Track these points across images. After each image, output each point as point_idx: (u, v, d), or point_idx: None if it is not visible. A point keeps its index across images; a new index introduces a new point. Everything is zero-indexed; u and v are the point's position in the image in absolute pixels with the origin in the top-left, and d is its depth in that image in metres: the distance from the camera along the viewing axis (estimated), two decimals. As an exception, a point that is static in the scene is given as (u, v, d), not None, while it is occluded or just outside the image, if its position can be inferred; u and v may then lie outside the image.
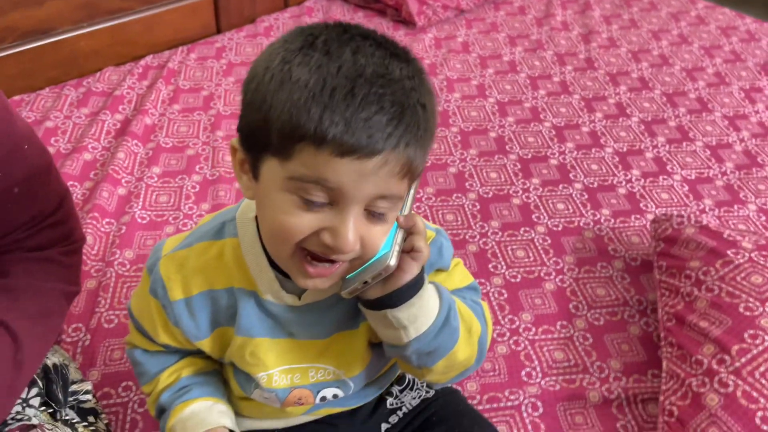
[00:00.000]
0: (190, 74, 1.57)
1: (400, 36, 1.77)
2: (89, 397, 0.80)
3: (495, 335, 1.01)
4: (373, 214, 0.53)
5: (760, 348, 0.82)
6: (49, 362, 0.79)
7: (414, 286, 0.58)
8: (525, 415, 0.90)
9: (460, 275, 0.71)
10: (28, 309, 0.71)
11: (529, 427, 0.89)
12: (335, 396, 0.71)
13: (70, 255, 0.78)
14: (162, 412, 0.70)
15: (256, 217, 0.63)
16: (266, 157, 0.52)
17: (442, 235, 0.68)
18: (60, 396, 0.76)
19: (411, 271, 0.57)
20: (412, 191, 0.58)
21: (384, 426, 0.78)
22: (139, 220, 1.16)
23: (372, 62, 0.49)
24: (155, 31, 1.60)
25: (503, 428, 0.88)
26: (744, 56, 1.77)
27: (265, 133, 0.50)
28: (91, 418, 0.78)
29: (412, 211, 0.59)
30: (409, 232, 0.57)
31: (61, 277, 0.76)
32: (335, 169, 0.49)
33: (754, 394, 0.78)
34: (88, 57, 1.50)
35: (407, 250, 0.57)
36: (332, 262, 0.55)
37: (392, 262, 0.55)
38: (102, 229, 1.12)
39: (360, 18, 1.85)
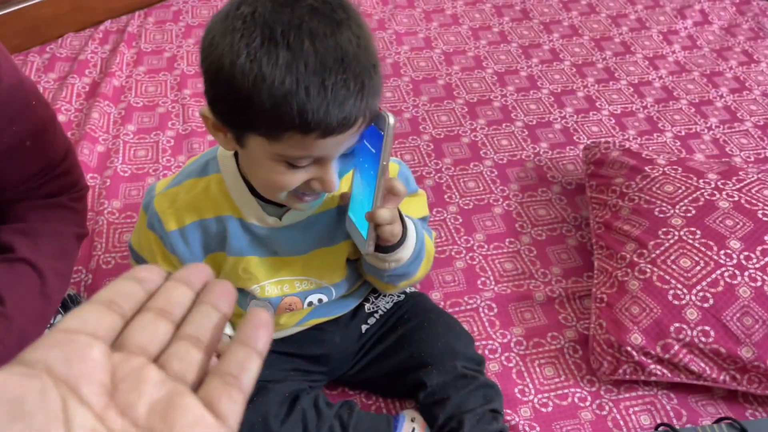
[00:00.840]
0: (151, 37, 1.63)
1: (348, -6, 1.87)
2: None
3: (453, 253, 1.16)
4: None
5: (671, 241, 0.99)
6: (66, 295, 0.89)
7: (401, 239, 0.73)
8: (482, 315, 1.06)
9: (421, 205, 0.86)
10: (48, 249, 0.79)
11: (486, 324, 1.05)
12: (320, 300, 0.84)
13: (78, 201, 0.87)
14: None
15: (235, 154, 0.74)
16: (251, 134, 0.62)
17: (404, 167, 0.83)
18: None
19: (396, 231, 0.71)
20: (385, 138, 0.66)
21: (364, 327, 0.92)
22: (121, 174, 1.25)
23: (329, 46, 0.57)
24: (112, -3, 1.66)
25: (465, 326, 1.03)
26: (662, 2, 1.94)
27: (248, 120, 0.60)
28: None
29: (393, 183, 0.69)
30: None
31: (73, 221, 0.85)
32: (320, 146, 0.61)
33: (666, 277, 0.95)
34: (49, 24, 1.54)
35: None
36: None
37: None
38: (88, 183, 1.21)
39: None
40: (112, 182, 1.22)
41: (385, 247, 0.73)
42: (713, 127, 1.48)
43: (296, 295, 0.82)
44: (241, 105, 0.59)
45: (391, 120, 0.63)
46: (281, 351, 0.87)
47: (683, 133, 1.46)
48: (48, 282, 0.78)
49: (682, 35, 1.81)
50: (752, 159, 1.40)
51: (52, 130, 0.83)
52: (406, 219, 0.75)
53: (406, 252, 0.75)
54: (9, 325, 0.71)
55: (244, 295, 0.82)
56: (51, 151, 0.82)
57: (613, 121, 1.49)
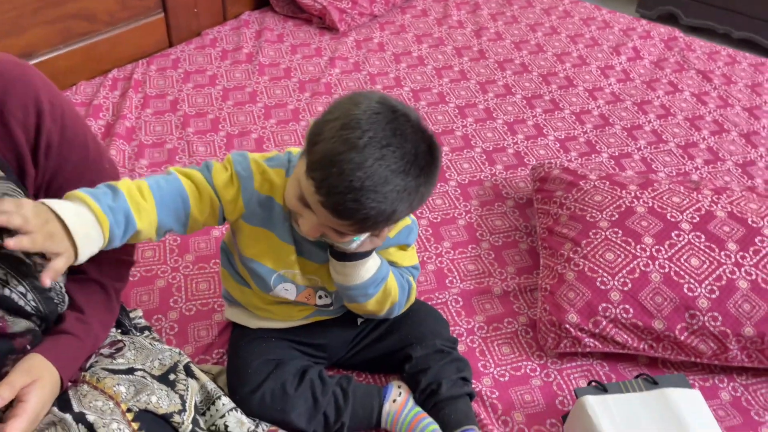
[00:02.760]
0: (154, 83, 1.85)
1: (326, 41, 2.11)
2: (142, 319, 1.11)
3: (425, 258, 1.38)
4: (337, 232, 0.85)
5: (599, 240, 1.23)
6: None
7: (356, 257, 0.92)
8: (450, 307, 1.28)
9: (411, 256, 1.07)
10: (111, 273, 0.95)
11: (454, 314, 1.27)
12: (326, 297, 1.04)
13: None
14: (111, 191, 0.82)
15: None
16: (304, 159, 0.82)
17: (414, 224, 1.04)
18: (125, 322, 1.06)
19: (364, 249, 0.92)
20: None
21: (359, 320, 1.13)
22: (139, 202, 1.45)
23: (380, 171, 0.75)
24: (118, 48, 1.87)
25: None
26: (600, 41, 2.23)
27: (308, 151, 0.80)
28: (146, 332, 1.09)
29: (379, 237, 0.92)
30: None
31: (127, 252, 1.02)
32: (320, 211, 0.81)
33: (595, 267, 1.19)
34: (65, 74, 1.75)
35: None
36: None
37: (352, 246, 0.90)
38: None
39: (290, 27, 2.17)
40: (131, 209, 1.42)
41: (348, 255, 0.92)
42: (642, 147, 1.74)
43: (313, 288, 1.02)
44: (316, 160, 0.78)
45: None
46: (291, 339, 1.08)
47: (617, 154, 1.72)
48: (111, 299, 0.96)
49: (617, 69, 2.08)
50: (674, 173, 1.66)
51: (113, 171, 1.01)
52: (378, 257, 0.96)
53: (354, 271, 0.93)
54: (88, 330, 0.90)
55: (275, 277, 0.98)
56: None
57: (558, 145, 1.74)
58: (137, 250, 1.33)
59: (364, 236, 0.89)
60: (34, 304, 0.82)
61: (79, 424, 0.79)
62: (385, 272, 0.98)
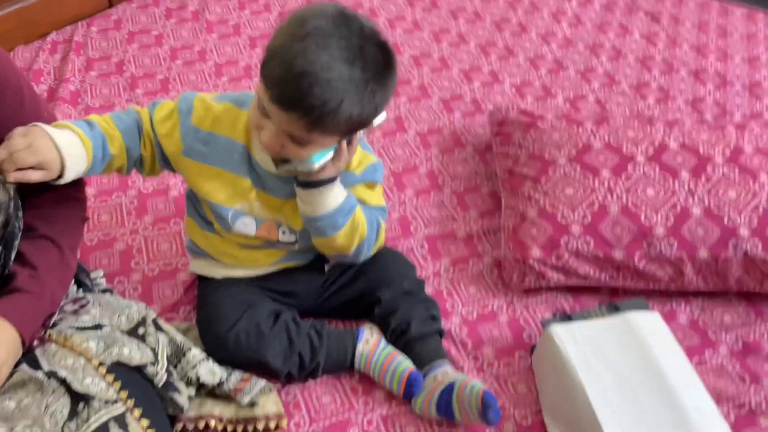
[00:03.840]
0: (97, 45, 1.77)
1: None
2: (103, 279, 1.09)
3: (388, 205, 1.37)
4: (294, 138, 0.85)
5: (558, 176, 1.25)
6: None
7: (321, 183, 0.92)
8: (416, 252, 1.29)
9: (378, 196, 1.06)
10: (62, 228, 0.93)
11: (420, 258, 1.28)
12: (289, 236, 1.03)
13: (80, 192, 1.03)
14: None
15: None
16: (261, 78, 0.83)
17: (379, 163, 1.03)
18: (86, 281, 1.03)
19: (326, 174, 0.91)
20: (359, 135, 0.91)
21: (326, 266, 1.13)
22: (90, 166, 1.40)
23: (324, 58, 0.77)
24: (55, 10, 1.79)
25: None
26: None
27: (262, 68, 0.82)
28: (108, 294, 1.06)
29: (348, 146, 0.91)
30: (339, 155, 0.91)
31: (78, 208, 1.00)
32: (272, 110, 0.81)
33: (555, 203, 1.21)
34: (1, 40, 1.67)
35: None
36: None
37: (315, 166, 0.89)
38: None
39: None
40: (83, 173, 1.37)
41: (312, 182, 0.92)
42: (596, 89, 1.77)
43: (275, 222, 1.01)
44: (265, 59, 0.82)
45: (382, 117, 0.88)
46: (261, 287, 1.07)
47: (572, 97, 1.74)
48: (65, 253, 0.93)
49: (568, 14, 2.09)
50: (627, 113, 1.68)
51: None
52: (345, 189, 0.96)
53: (321, 199, 0.93)
54: (42, 285, 0.87)
55: (232, 214, 0.98)
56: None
57: (514, 90, 1.75)
58: (94, 213, 1.30)
59: (326, 157, 0.89)
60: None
61: (52, 379, 0.78)
62: (353, 203, 0.98)
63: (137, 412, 0.79)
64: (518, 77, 1.80)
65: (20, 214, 0.88)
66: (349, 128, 0.86)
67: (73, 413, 0.76)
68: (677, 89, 1.78)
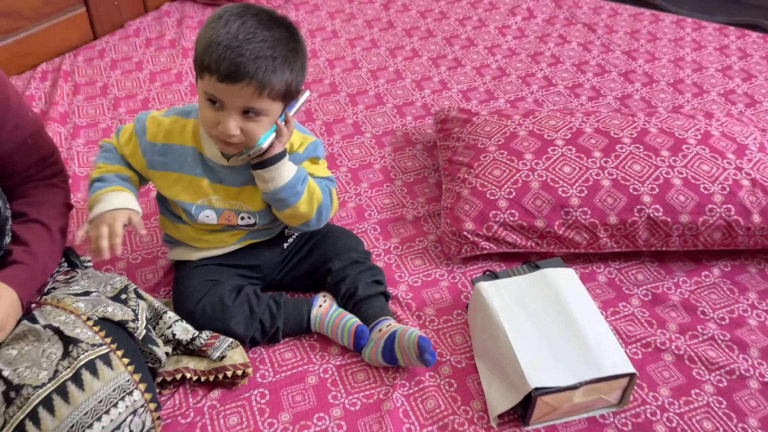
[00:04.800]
0: (83, 72, 1.96)
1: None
2: (91, 263, 1.25)
3: (346, 198, 1.55)
4: (248, 115, 1.02)
5: (488, 161, 1.43)
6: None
7: (274, 160, 1.09)
8: (370, 234, 1.46)
9: (323, 168, 1.24)
10: (50, 213, 1.11)
11: (373, 239, 1.45)
12: (249, 219, 1.20)
13: (65, 182, 1.20)
14: (92, 184, 1.14)
15: None
16: (198, 78, 1.02)
17: (319, 141, 1.21)
18: (77, 262, 1.20)
19: (275, 151, 1.08)
20: (297, 105, 1.09)
21: (285, 244, 1.30)
22: (79, 174, 1.58)
23: (245, 30, 0.97)
24: (45, 43, 1.98)
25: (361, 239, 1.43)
26: (498, 5, 2.44)
27: (197, 65, 1.01)
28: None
29: (285, 124, 1.09)
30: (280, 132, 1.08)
31: (63, 196, 1.17)
32: (219, 89, 0.99)
33: (485, 183, 1.39)
34: (-5, 69, 1.85)
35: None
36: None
37: (265, 145, 1.06)
38: (54, 183, 1.53)
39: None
40: (73, 180, 1.55)
41: (265, 161, 1.08)
42: (534, 91, 1.96)
43: (233, 210, 1.18)
44: (196, 55, 0.99)
45: (306, 94, 1.08)
46: (226, 264, 1.24)
47: (512, 98, 1.93)
48: (54, 233, 1.10)
49: (513, 28, 2.30)
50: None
51: (44, 132, 1.16)
52: (291, 163, 1.12)
53: (278, 173, 1.09)
54: (35, 258, 1.04)
55: (195, 208, 1.15)
56: (44, 146, 1.15)
57: (461, 95, 1.94)
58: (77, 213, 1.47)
59: (270, 137, 1.06)
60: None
61: (47, 329, 0.94)
62: (304, 173, 1.15)
63: (119, 353, 0.95)
64: (465, 84, 1.99)
65: (8, 205, 1.06)
66: (287, 89, 1.02)
67: (65, 354, 0.92)
68: (608, 88, 1.98)
